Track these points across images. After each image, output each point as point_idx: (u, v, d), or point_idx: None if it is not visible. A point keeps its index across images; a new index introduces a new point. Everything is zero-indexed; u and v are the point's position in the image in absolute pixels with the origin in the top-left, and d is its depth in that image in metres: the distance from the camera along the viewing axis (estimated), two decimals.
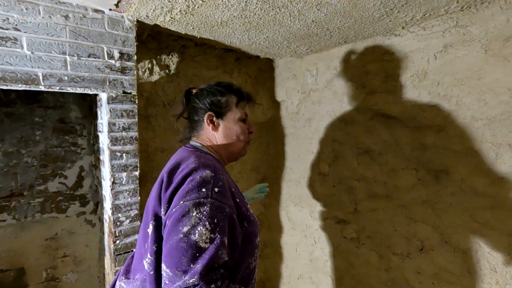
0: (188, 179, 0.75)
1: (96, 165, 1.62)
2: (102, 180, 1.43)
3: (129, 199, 1.34)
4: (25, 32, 1.07)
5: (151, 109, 1.71)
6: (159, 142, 1.74)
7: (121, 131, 1.30)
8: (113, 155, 1.28)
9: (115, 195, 1.30)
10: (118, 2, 1.14)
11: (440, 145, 1.35)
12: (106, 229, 1.43)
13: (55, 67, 1.12)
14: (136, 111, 1.33)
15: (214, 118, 0.95)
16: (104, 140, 1.31)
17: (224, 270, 0.70)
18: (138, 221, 1.37)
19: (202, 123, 0.96)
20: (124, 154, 1.31)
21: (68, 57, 1.15)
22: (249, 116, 1.02)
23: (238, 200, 0.82)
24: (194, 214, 0.70)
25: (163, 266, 0.70)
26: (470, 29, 1.21)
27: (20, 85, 1.07)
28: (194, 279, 0.65)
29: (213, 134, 0.95)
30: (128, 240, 1.34)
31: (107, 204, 1.34)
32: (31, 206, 1.50)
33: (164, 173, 0.82)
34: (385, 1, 1.10)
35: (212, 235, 0.69)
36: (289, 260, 2.22)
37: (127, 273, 0.91)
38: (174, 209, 0.73)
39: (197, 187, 0.73)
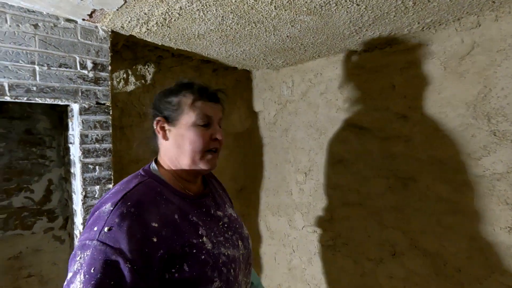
0: (94, 213, 0.65)
1: (66, 178, 1.55)
2: (73, 194, 1.37)
3: None
4: None
5: (125, 120, 1.67)
6: (134, 153, 1.70)
7: (94, 143, 1.26)
8: (85, 167, 1.23)
9: (87, 209, 1.25)
10: (92, 13, 1.12)
11: (407, 154, 1.44)
12: None
13: (23, 77, 1.08)
14: (110, 122, 1.30)
15: (166, 125, 0.76)
16: (75, 152, 1.26)
17: None
18: None
19: (155, 132, 0.78)
20: (97, 167, 1.27)
21: (37, 67, 1.11)
22: (216, 119, 0.78)
23: (174, 236, 0.65)
24: (77, 259, 0.58)
25: None
26: (431, 47, 1.31)
27: None
28: None
29: (165, 144, 0.76)
30: None
31: (78, 219, 1.29)
32: None
33: None
34: (354, 20, 1.17)
35: None
36: (267, 270, 2.22)
37: None
38: None
39: (91, 224, 0.62)
